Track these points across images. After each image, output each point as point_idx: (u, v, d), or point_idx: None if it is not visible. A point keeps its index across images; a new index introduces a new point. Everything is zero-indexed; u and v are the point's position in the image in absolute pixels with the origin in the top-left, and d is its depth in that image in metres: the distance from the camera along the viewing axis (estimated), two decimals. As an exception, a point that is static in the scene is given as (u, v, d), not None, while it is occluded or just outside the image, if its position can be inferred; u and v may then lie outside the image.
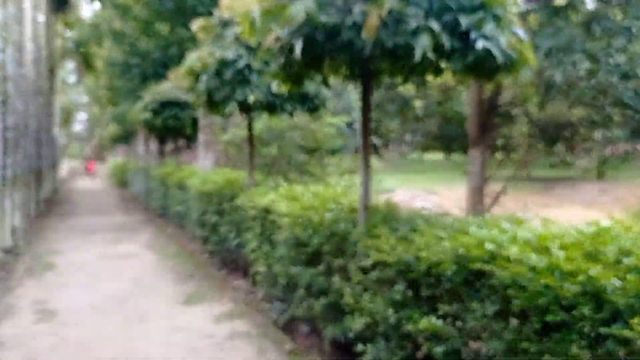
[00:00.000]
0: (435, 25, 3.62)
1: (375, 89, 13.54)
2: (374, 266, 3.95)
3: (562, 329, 2.55)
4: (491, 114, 12.08)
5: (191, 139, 16.82)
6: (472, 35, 3.73)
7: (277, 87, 7.31)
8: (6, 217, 10.83)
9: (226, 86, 7.23)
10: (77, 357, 5.60)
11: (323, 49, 4.08)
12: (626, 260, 2.57)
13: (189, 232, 12.20)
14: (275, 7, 4.12)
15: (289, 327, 6.08)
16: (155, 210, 17.09)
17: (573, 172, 32.21)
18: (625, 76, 9.42)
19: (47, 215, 17.88)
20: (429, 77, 5.48)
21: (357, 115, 33.97)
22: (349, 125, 31.74)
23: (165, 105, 14.24)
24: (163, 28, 14.14)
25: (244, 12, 4.85)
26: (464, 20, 3.68)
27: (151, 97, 14.46)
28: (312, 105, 7.84)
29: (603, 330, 2.40)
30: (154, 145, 20.83)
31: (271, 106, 7.56)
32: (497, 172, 14.64)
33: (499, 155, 15.95)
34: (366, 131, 4.99)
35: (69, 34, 30.36)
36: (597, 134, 13.43)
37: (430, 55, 3.61)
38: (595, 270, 2.49)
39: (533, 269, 2.67)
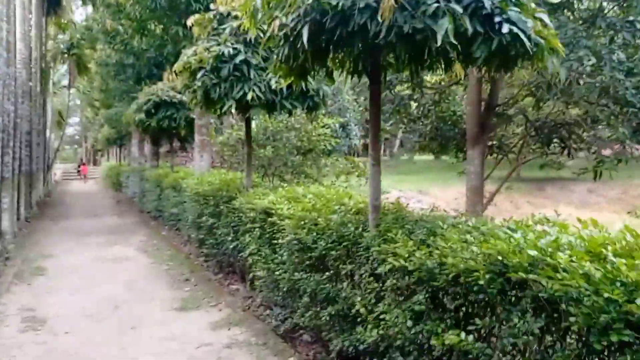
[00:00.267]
0: (456, 7, 3.30)
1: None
2: (390, 273, 3.60)
3: (629, 350, 2.21)
4: (490, 114, 11.81)
5: (186, 140, 16.50)
6: (496, 18, 3.42)
7: (277, 83, 7.06)
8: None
9: (223, 83, 6.90)
10: (66, 369, 5.26)
11: (332, 36, 3.74)
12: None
13: (184, 234, 11.84)
14: (281, -9, 3.80)
15: (290, 336, 5.73)
16: (150, 212, 16.71)
17: (563, 172, 32.03)
18: (629, 73, 9.14)
19: (40, 218, 17.49)
20: (432, 71, 5.21)
21: (350, 116, 33.77)
22: (343, 127, 31.59)
23: (160, 105, 13.88)
24: (157, 27, 13.78)
25: (245, 1, 4.55)
26: (488, 2, 3.36)
27: (146, 97, 14.09)
28: (312, 103, 7.51)
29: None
30: (148, 146, 20.49)
31: (270, 104, 7.23)
32: (490, 172, 14.40)
33: (494, 155, 15.69)
34: (375, 128, 4.66)
35: (61, 36, 29.94)
36: (593, 133, 13.12)
37: (453, 40, 3.28)
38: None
39: (587, 279, 2.32)
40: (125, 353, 5.55)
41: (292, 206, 5.65)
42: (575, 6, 10.25)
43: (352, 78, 5.19)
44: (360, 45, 3.80)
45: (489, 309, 2.93)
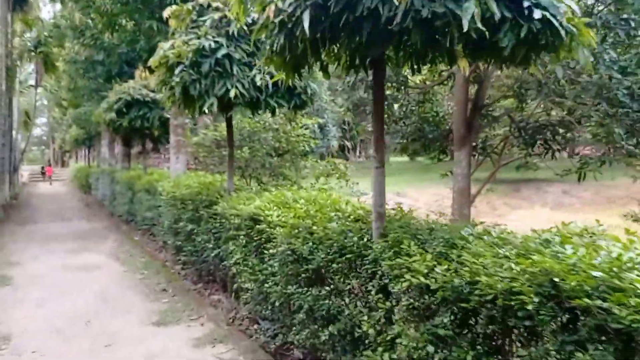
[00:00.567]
0: (482, -12, 2.90)
1: (361, 87, 12.88)
2: (406, 291, 3.16)
3: None
4: (476, 114, 11.54)
5: (159, 141, 15.87)
6: (525, 3, 3.02)
7: (262, 80, 6.60)
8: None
9: (204, 79, 6.40)
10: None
11: (337, 22, 3.30)
12: None
13: (159, 240, 11.27)
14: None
15: (281, 353, 5.27)
16: (121, 216, 16.03)
17: (538, 173, 32.13)
18: (623, 72, 8.89)
19: (5, 222, 16.67)
20: (434, 66, 4.82)
21: (328, 117, 33.39)
22: (321, 128, 31.22)
23: (132, 104, 13.24)
24: (128, 22, 13.14)
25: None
26: (516, -16, 2.97)
27: (117, 96, 13.44)
28: (299, 102, 7.07)
29: None
30: (119, 147, 19.77)
31: (254, 102, 6.75)
32: (472, 172, 14.15)
33: (476, 157, 15.46)
34: (379, 125, 4.24)
35: (28, 34, 28.94)
36: (578, 135, 12.97)
37: (480, 25, 2.87)
38: None
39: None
40: (99, 375, 5.05)
41: (282, 212, 5.20)
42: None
43: (348, 73, 4.80)
44: (368, 33, 3.37)
45: (535, 337, 2.51)
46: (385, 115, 14.36)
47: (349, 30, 3.51)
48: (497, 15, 2.95)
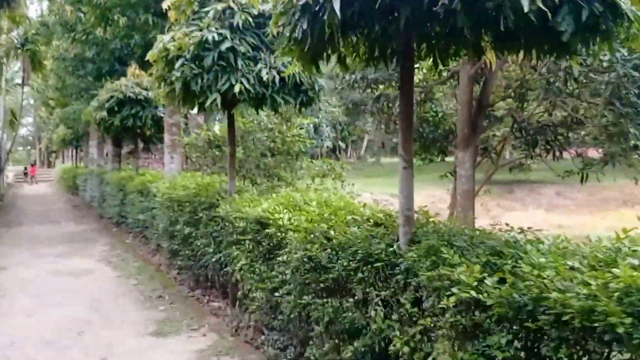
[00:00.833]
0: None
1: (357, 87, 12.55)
2: (454, 306, 2.80)
3: None
4: (481, 114, 11.23)
5: (151, 141, 15.42)
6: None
7: (268, 74, 6.23)
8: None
9: (206, 74, 6.03)
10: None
11: (372, 3, 2.95)
12: None
13: (152, 242, 10.83)
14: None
15: (292, 367, 4.89)
16: (111, 218, 15.55)
17: (531, 175, 32.04)
18: (637, 70, 8.62)
19: (-10, 225, 16.18)
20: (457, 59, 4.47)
21: (322, 117, 33.00)
22: (315, 128, 30.84)
23: (124, 103, 12.77)
24: (120, 18, 12.68)
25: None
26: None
27: (108, 94, 12.97)
28: (306, 98, 6.71)
29: None
30: (109, 147, 19.28)
31: (259, 98, 6.38)
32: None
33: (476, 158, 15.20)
34: (408, 123, 3.89)
35: (15, 32, 28.31)
36: (584, 134, 12.75)
37: (542, 5, 2.53)
38: None
39: None
40: (95, 393, 4.65)
41: (294, 216, 4.83)
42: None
43: (367, 65, 4.46)
44: (407, 16, 3.02)
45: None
46: (384, 115, 14.09)
47: (384, 14, 3.16)
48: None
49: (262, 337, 5.47)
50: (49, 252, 11.16)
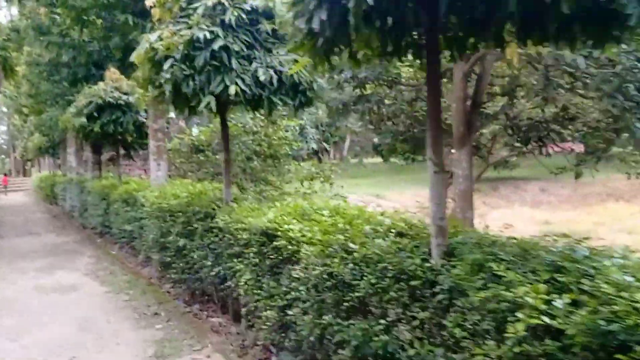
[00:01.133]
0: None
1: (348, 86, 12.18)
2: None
3: None
4: (476, 112, 10.94)
5: (132, 147, 14.88)
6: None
7: (265, 75, 5.82)
8: None
9: (198, 75, 5.61)
10: None
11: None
12: None
13: (140, 254, 10.33)
14: None
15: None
16: (94, 228, 14.98)
17: (514, 172, 32.08)
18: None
19: (-35, 238, 15.50)
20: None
21: (306, 119, 32.59)
22: (300, 130, 30.43)
23: (104, 108, 12.24)
24: (96, 20, 12.15)
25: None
26: None
27: (87, 99, 12.42)
28: (304, 99, 6.30)
29: None
30: (87, 155, 18.67)
31: (256, 100, 5.96)
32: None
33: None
34: (437, 123, 3.52)
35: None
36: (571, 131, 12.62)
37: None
38: None
39: None
40: None
41: (305, 226, 4.44)
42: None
43: (381, 60, 4.11)
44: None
45: None
46: (375, 115, 13.75)
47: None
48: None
49: (274, 359, 5.06)
50: (30, 267, 10.62)
